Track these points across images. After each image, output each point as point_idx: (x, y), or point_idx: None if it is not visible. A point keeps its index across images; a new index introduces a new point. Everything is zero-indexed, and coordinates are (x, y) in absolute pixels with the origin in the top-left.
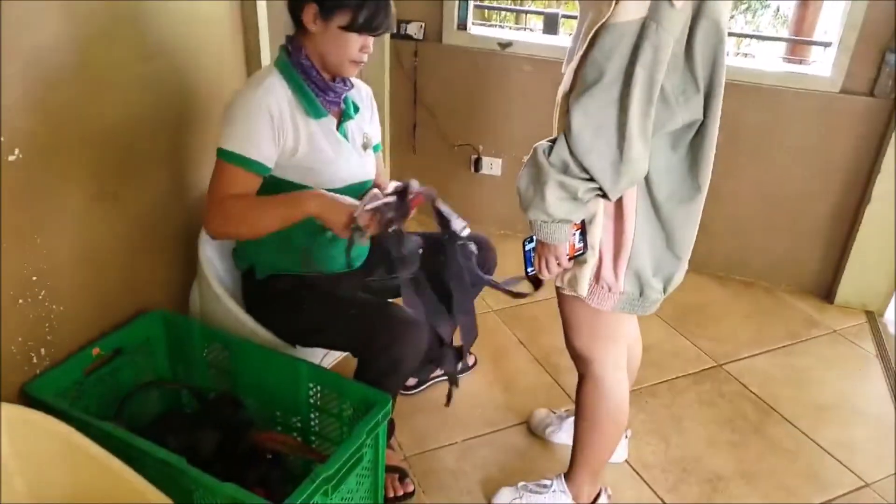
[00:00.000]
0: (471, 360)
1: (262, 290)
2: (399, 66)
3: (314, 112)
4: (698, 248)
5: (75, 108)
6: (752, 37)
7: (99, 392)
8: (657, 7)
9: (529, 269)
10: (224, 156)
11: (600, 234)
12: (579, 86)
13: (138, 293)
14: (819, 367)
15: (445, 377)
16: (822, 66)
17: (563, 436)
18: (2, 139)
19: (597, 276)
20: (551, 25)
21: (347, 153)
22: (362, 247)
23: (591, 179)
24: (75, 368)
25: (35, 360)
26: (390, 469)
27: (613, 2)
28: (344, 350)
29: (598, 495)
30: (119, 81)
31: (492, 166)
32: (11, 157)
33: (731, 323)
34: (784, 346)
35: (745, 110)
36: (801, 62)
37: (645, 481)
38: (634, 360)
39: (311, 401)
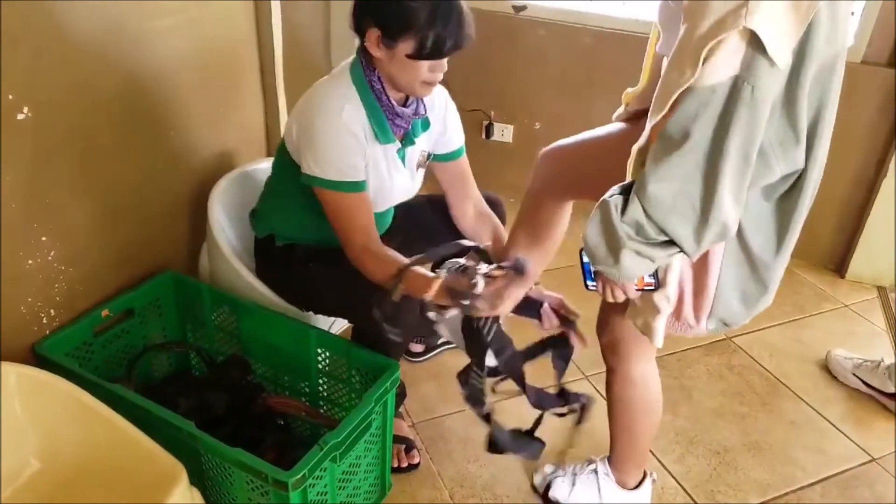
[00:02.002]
0: None
1: (279, 256)
2: None
3: (383, 137)
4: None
5: (84, 65)
6: None
7: (108, 353)
8: (753, 65)
9: (591, 284)
10: (329, 185)
11: (676, 278)
12: (659, 145)
13: (148, 255)
14: (829, 341)
15: (453, 344)
16: None
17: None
18: (9, 97)
19: (677, 314)
20: None
21: (401, 177)
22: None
23: (669, 242)
24: (85, 329)
25: (45, 321)
26: (397, 439)
27: (699, 66)
28: (341, 317)
29: (644, 478)
30: (129, 37)
31: (503, 133)
32: (20, 116)
33: None
34: (794, 320)
35: None
36: None
37: (651, 452)
38: None
39: (320, 366)
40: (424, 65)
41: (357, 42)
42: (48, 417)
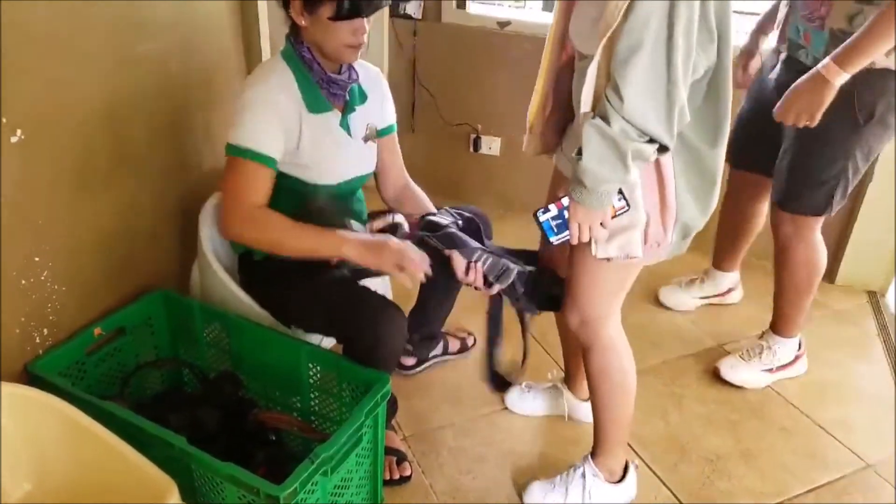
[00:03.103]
0: (469, 341)
1: (259, 270)
2: (398, 46)
3: (317, 107)
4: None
5: (76, 88)
6: None
7: (101, 372)
8: None
9: (554, 239)
10: (234, 151)
11: (641, 193)
12: (619, 58)
13: (139, 273)
14: (820, 346)
15: (445, 357)
16: None
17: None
18: (4, 120)
19: (645, 236)
20: (551, 2)
21: (348, 148)
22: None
23: (650, 141)
24: (77, 348)
25: (38, 340)
26: (389, 451)
27: None
28: (327, 335)
29: (627, 468)
30: (118, 60)
31: (490, 146)
32: (14, 139)
33: None
34: None
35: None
36: None
37: (644, 461)
38: None
39: (312, 381)
40: (347, 27)
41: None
42: (40, 436)
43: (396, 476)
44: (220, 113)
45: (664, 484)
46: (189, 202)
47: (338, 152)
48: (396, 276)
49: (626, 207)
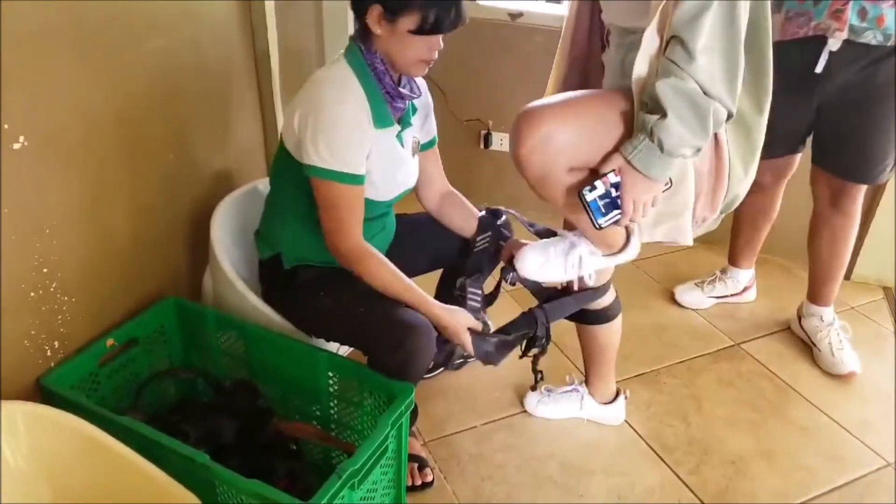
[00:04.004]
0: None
1: (285, 279)
2: None
3: (382, 122)
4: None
5: (79, 91)
6: None
7: (114, 383)
8: None
9: (602, 221)
10: (335, 177)
11: (692, 171)
12: (684, 15)
13: (150, 281)
14: None
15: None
16: None
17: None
18: (5, 126)
19: (693, 213)
20: None
21: (404, 163)
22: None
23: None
24: (90, 360)
25: (49, 353)
26: (411, 458)
27: None
28: (354, 348)
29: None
30: (122, 61)
31: (502, 142)
32: (16, 146)
33: None
34: None
35: None
36: None
37: (666, 463)
38: None
39: (331, 390)
40: (424, 42)
41: (352, 29)
42: (58, 457)
43: (419, 482)
44: (229, 113)
45: (687, 486)
46: (199, 207)
47: (396, 168)
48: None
49: (670, 185)
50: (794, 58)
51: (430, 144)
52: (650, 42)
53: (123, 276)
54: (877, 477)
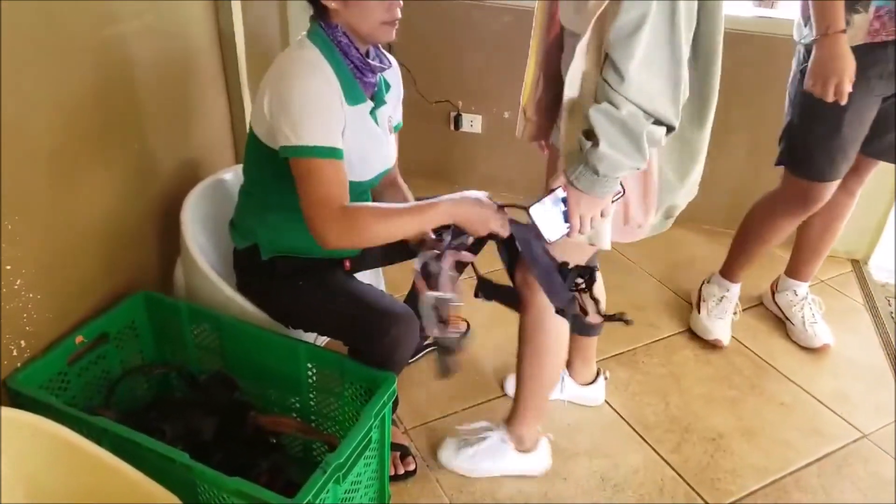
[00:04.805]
0: (462, 327)
1: (263, 269)
2: None
3: (354, 98)
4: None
5: (39, 81)
6: None
7: (84, 381)
8: None
9: (550, 235)
10: (305, 152)
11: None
12: (619, 32)
13: (119, 274)
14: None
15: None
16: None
17: None
18: None
19: (625, 218)
20: None
21: (381, 140)
22: None
23: (657, 122)
24: (59, 358)
25: (15, 353)
26: (393, 447)
27: None
28: (336, 339)
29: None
30: (83, 49)
31: (472, 123)
32: None
33: None
34: None
35: (740, 62)
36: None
37: (648, 443)
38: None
39: (311, 381)
40: (380, 3)
41: (310, 10)
42: (32, 463)
43: (402, 471)
44: (196, 100)
45: (669, 465)
46: (168, 197)
47: (374, 146)
48: (493, 226)
49: (622, 192)
50: (882, 59)
51: (396, 128)
52: (579, 61)
53: (91, 271)
54: (854, 448)
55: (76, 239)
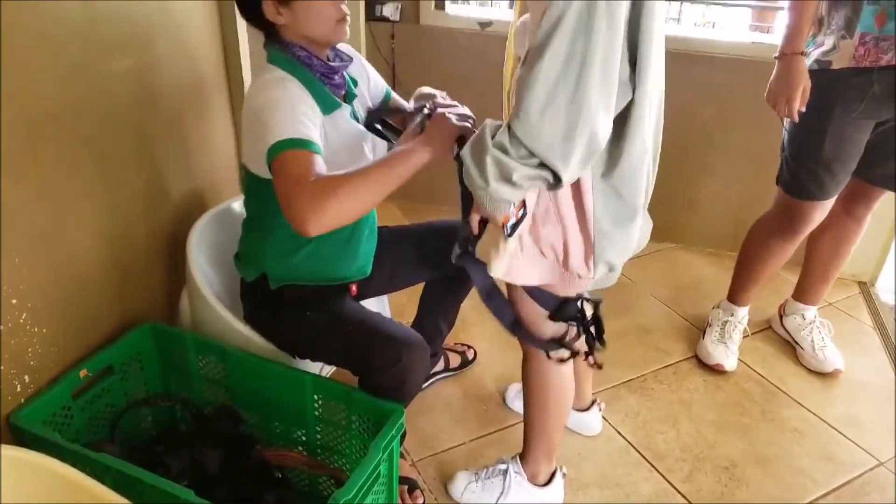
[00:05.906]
0: (470, 355)
1: (271, 299)
2: (376, 50)
3: (329, 106)
4: (690, 224)
5: (46, 112)
6: (717, 3)
7: (88, 415)
8: None
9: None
10: (281, 146)
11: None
12: (525, 61)
13: (124, 306)
14: None
15: (445, 374)
16: None
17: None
18: None
19: (566, 265)
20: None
21: (365, 137)
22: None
23: (540, 165)
24: (63, 392)
25: (19, 389)
26: (401, 480)
27: None
28: (345, 368)
29: (554, 474)
30: (93, 79)
31: None
32: None
33: None
34: None
35: (735, 84)
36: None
37: (659, 472)
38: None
39: (317, 413)
40: (328, 3)
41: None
42: (33, 501)
43: None
44: (202, 131)
45: (681, 494)
46: (174, 228)
47: (361, 144)
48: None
49: (523, 210)
50: (865, 83)
51: (387, 96)
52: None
53: (97, 303)
54: (871, 476)
55: (82, 271)
